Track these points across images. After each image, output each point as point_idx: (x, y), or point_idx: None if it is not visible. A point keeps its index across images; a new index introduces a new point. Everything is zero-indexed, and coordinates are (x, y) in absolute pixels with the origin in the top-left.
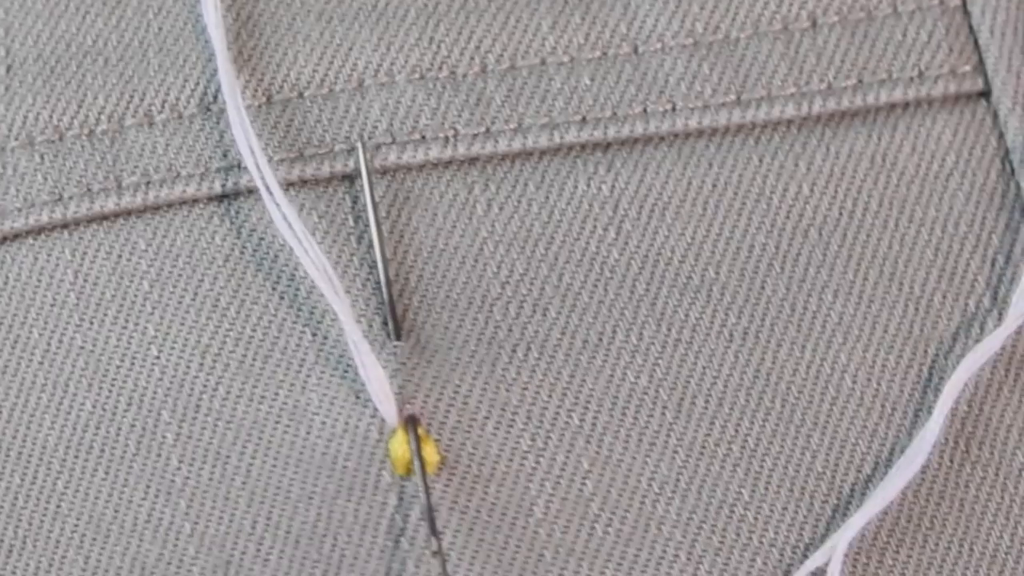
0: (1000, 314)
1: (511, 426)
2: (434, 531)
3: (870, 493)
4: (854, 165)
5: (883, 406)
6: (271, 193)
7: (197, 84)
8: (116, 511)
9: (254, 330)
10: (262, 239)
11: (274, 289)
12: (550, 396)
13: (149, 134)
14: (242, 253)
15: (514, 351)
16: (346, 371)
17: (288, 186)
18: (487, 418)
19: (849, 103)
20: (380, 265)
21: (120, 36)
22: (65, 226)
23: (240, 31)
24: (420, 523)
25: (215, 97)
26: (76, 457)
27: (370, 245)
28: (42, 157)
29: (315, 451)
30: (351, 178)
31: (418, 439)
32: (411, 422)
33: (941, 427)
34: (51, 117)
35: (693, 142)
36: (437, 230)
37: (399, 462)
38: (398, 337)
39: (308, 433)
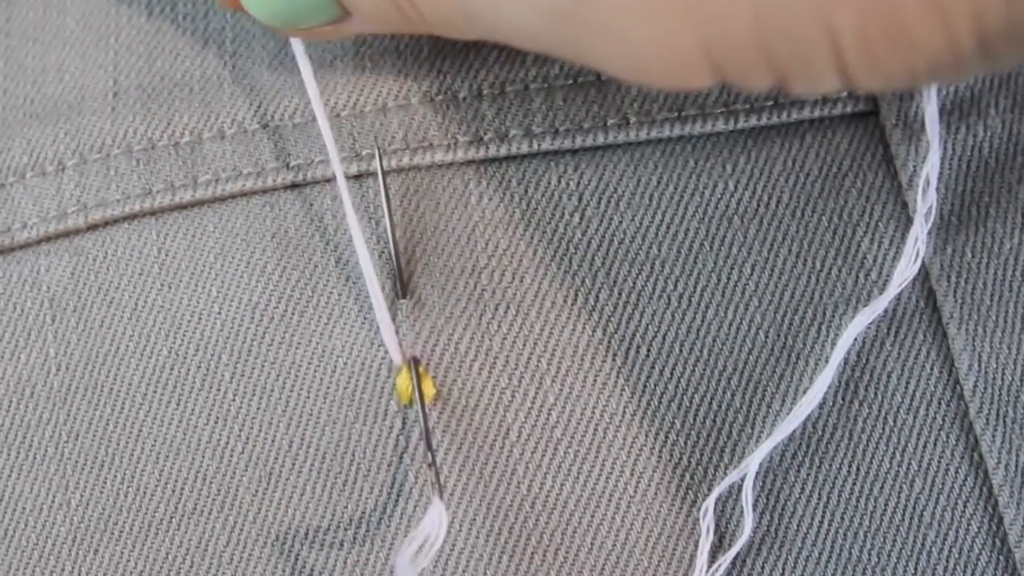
0: (884, 284)
1: (492, 367)
2: (430, 448)
3: (778, 424)
4: (770, 167)
5: (789, 356)
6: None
7: (259, 108)
8: (184, 434)
9: (293, 291)
10: (301, 222)
11: (309, 260)
12: (524, 344)
13: (221, 144)
14: (285, 232)
15: (496, 309)
16: (363, 322)
17: (326, 181)
18: (474, 361)
19: (768, 119)
20: (391, 240)
21: (202, 72)
22: (152, 213)
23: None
24: (419, 442)
25: (272, 117)
26: (154, 391)
27: (386, 227)
28: (138, 161)
29: (339, 385)
30: (373, 175)
31: (419, 376)
32: (413, 363)
33: (835, 373)
34: (146, 131)
35: (642, 148)
36: (439, 215)
37: (403, 394)
38: (404, 296)
39: (334, 371)
